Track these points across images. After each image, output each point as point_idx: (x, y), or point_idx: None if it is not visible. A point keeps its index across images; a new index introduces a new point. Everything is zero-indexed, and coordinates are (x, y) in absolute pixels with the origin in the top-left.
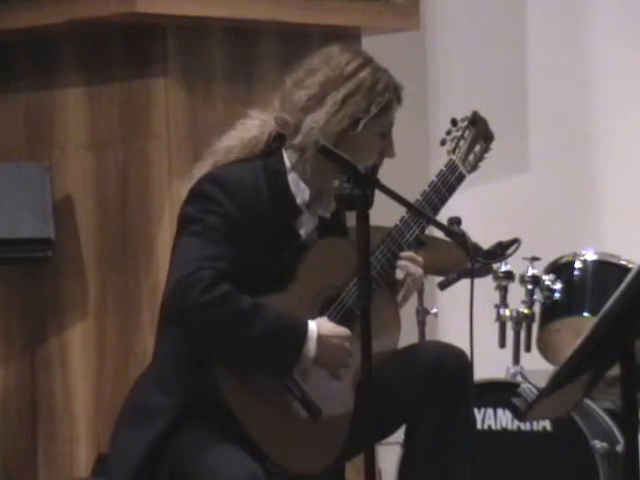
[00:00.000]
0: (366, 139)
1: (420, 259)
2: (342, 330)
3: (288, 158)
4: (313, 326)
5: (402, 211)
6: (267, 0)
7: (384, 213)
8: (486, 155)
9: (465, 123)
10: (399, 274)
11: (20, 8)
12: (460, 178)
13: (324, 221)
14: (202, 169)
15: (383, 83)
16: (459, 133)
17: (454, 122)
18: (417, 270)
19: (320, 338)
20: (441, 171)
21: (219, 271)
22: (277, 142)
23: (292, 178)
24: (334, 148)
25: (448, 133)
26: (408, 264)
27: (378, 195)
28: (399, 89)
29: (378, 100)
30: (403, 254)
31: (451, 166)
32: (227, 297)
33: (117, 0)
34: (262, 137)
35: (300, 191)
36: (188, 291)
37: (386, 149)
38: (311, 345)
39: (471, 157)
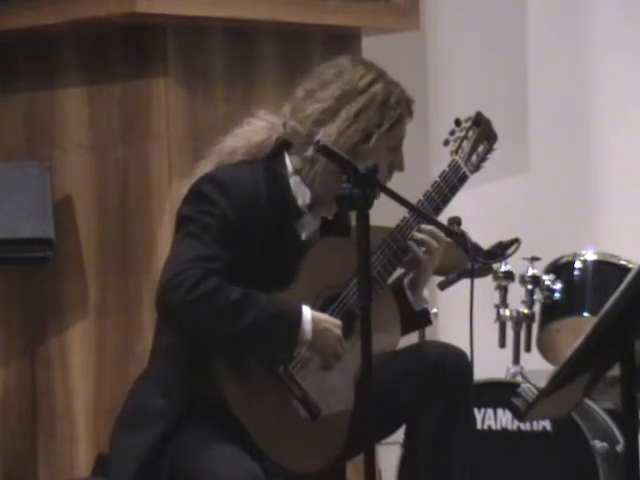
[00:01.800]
0: (377, 153)
1: (441, 234)
2: (334, 319)
3: (291, 163)
4: (306, 309)
5: (402, 211)
6: (267, 0)
7: (384, 213)
8: (489, 156)
9: (468, 123)
10: (416, 248)
11: (20, 8)
12: (463, 178)
13: (327, 222)
14: (205, 168)
15: (395, 97)
16: (462, 133)
17: (457, 122)
18: (436, 245)
19: (314, 321)
20: (444, 171)
21: (209, 270)
22: (281, 147)
23: (294, 181)
24: (334, 147)
25: (451, 133)
26: (426, 238)
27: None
28: (410, 103)
29: (390, 114)
30: (424, 227)
31: (454, 166)
32: (215, 291)
33: (117, 0)
34: (269, 142)
35: (301, 193)
36: (175, 291)
37: (395, 162)
38: (306, 327)
39: (474, 157)
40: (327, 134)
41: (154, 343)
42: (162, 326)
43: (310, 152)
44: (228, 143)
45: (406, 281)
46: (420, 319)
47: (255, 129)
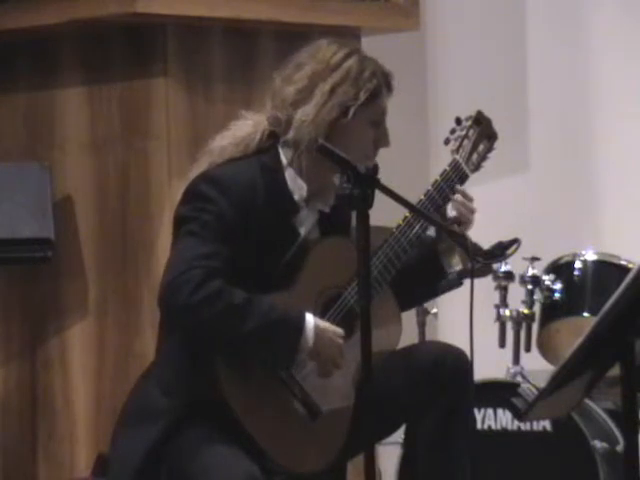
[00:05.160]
0: (358, 128)
1: (472, 197)
2: (336, 327)
3: (284, 155)
4: (309, 316)
5: (402, 211)
6: (267, 0)
7: (384, 213)
8: (489, 155)
9: (469, 122)
10: (451, 211)
11: (20, 8)
12: (463, 178)
13: (325, 216)
14: (198, 170)
15: (370, 70)
16: (463, 132)
17: (458, 121)
18: (471, 208)
19: (317, 329)
20: (445, 171)
21: (210, 269)
22: (271, 140)
23: (289, 175)
24: (333, 147)
25: (452, 132)
26: (463, 200)
27: (378, 195)
28: (388, 76)
29: (366, 87)
30: (458, 189)
31: (455, 166)
32: (218, 293)
33: (117, 0)
34: (255, 135)
35: (297, 187)
36: (178, 292)
37: (380, 138)
38: (309, 334)
39: (475, 157)
40: (305, 113)
41: (157, 342)
42: (165, 325)
43: (291, 135)
44: (216, 144)
45: (440, 248)
46: (452, 282)
47: (240, 127)
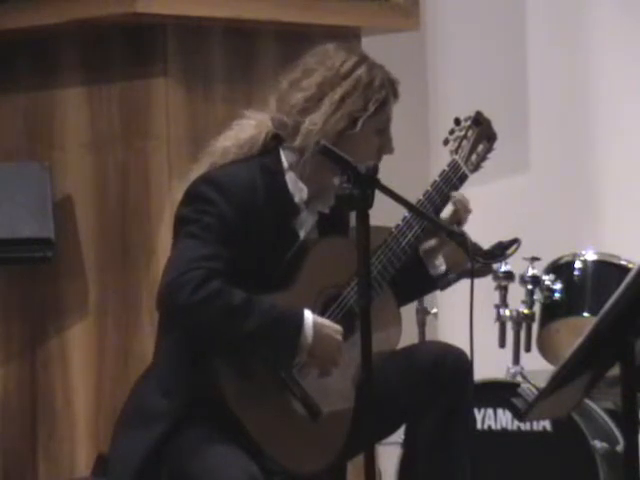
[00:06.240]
0: (364, 137)
1: (468, 200)
2: (335, 325)
3: (286, 158)
4: (308, 313)
5: (402, 211)
6: (267, 0)
7: (384, 213)
8: (489, 155)
9: (468, 123)
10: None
11: (20, 8)
12: (463, 178)
13: (324, 216)
14: (199, 170)
15: (379, 80)
16: (462, 133)
17: (457, 121)
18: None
19: (316, 326)
20: (444, 171)
21: (211, 270)
22: (274, 142)
23: (290, 177)
24: (334, 148)
25: (451, 132)
26: (460, 199)
27: (378, 195)
28: (395, 84)
29: (375, 97)
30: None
31: (454, 166)
32: (217, 294)
33: (117, 0)
34: (259, 137)
35: (298, 190)
36: (178, 292)
37: (384, 145)
38: (308, 332)
39: (474, 157)
40: (313, 122)
41: (156, 342)
42: (164, 325)
43: (298, 142)
44: (219, 144)
45: (422, 249)
46: (437, 283)
47: (243, 128)
